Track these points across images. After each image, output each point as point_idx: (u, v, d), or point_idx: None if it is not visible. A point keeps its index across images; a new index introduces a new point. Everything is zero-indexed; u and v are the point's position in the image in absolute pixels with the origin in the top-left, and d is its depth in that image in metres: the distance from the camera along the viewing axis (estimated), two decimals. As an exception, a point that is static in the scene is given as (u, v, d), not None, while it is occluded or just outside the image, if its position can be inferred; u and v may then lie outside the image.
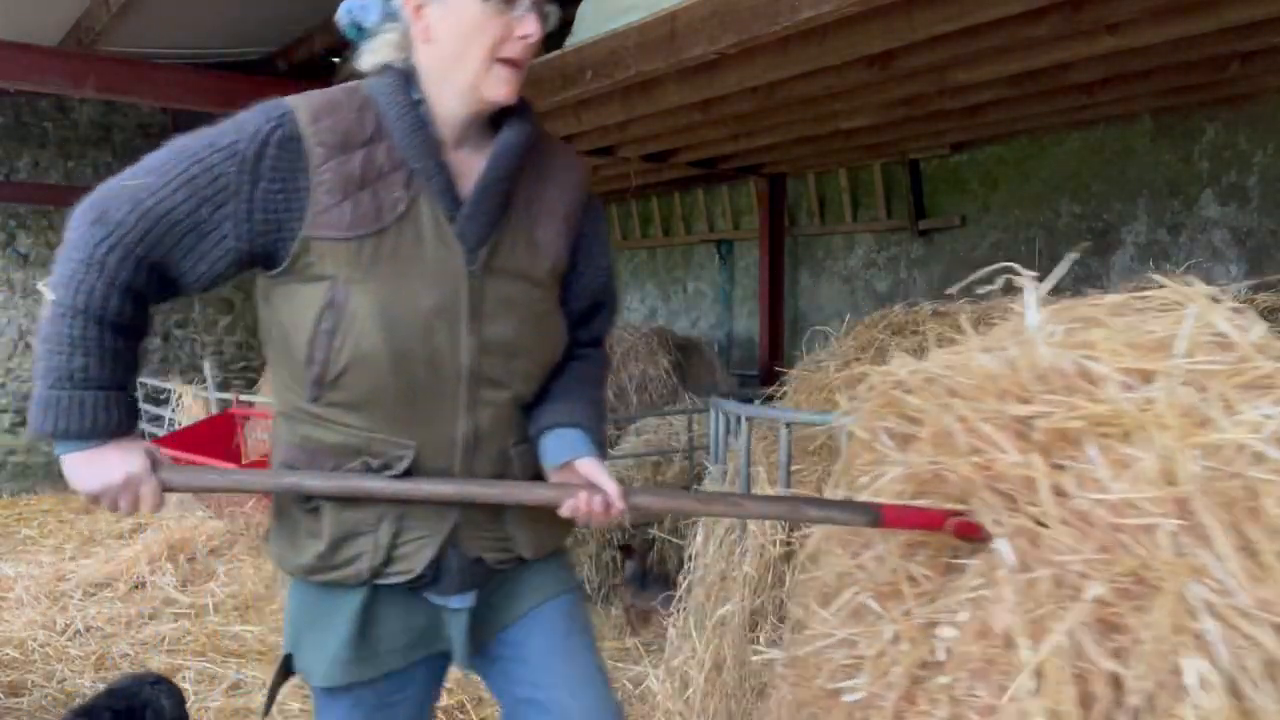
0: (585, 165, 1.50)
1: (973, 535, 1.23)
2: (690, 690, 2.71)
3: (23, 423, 8.12)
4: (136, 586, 4.80)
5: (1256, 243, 4.66)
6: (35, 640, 3.95)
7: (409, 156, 1.26)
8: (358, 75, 1.34)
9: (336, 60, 7.06)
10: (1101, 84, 4.31)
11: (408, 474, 1.30)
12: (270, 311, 1.32)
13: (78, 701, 3.24)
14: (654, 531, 4.50)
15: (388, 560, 1.33)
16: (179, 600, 4.57)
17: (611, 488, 1.34)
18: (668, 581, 3.96)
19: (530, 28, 1.26)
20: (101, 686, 2.74)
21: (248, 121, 1.24)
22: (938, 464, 1.28)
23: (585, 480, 1.36)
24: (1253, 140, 4.65)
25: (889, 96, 4.32)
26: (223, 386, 6.67)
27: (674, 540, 4.29)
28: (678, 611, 2.96)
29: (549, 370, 1.42)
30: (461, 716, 3.30)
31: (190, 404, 6.83)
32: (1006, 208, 5.72)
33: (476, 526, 1.37)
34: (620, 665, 3.74)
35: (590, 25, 4.01)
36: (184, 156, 1.22)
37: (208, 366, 6.65)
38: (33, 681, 3.56)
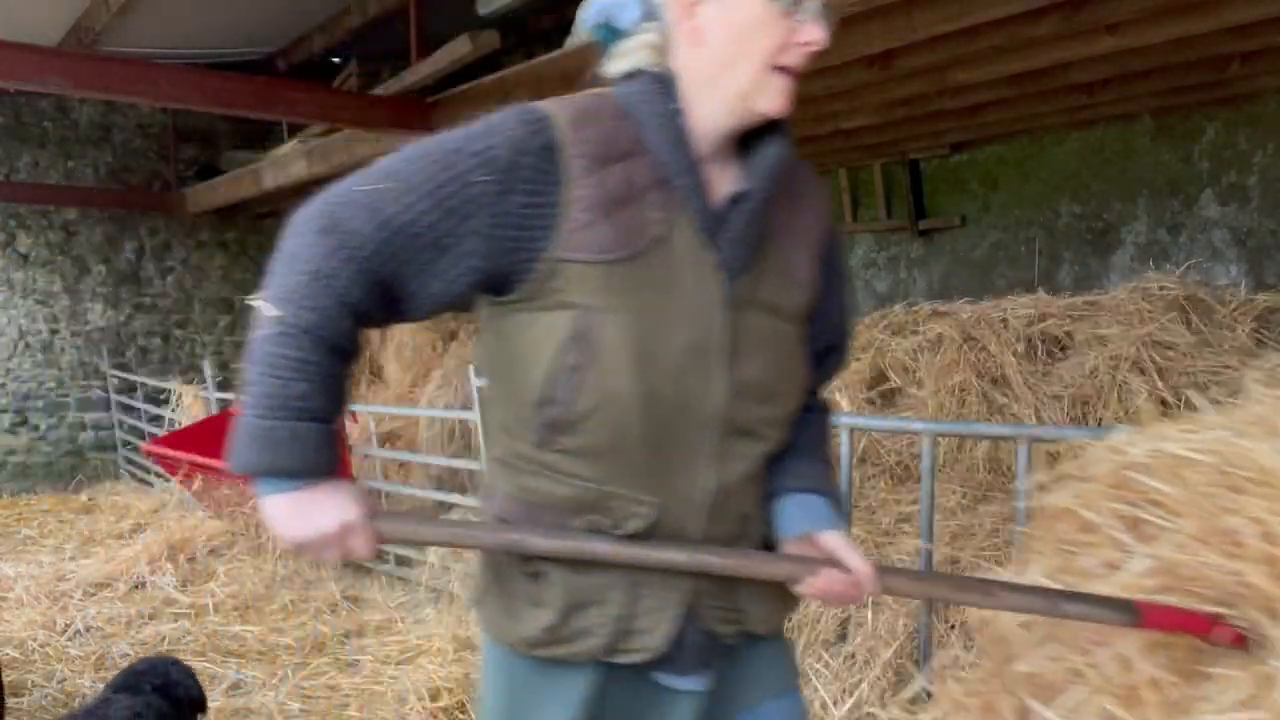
0: (828, 188, 1.37)
1: (1240, 645, 1.13)
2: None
3: (23, 422, 8.12)
4: (136, 586, 4.80)
5: (1256, 243, 4.66)
6: (35, 640, 3.95)
7: (671, 173, 1.12)
8: (599, 82, 1.21)
9: (336, 61, 7.07)
10: (1101, 84, 4.31)
11: (640, 535, 1.14)
12: (498, 343, 1.17)
13: (76, 703, 3.25)
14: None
15: (624, 634, 1.17)
16: (179, 600, 4.57)
17: (863, 568, 1.19)
18: None
19: (816, 34, 1.12)
20: (101, 687, 2.74)
21: (501, 126, 1.10)
22: (1209, 565, 1.16)
23: (829, 555, 1.21)
24: (1253, 140, 4.65)
25: (889, 96, 4.33)
26: (223, 386, 6.67)
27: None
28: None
29: (792, 420, 1.26)
30: (462, 716, 3.30)
31: (190, 404, 6.83)
32: (1006, 208, 5.72)
33: (710, 596, 1.20)
34: (620, 665, 3.73)
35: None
36: (428, 161, 1.08)
37: (207, 366, 6.66)
38: (33, 681, 3.56)
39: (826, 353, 1.33)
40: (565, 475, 1.14)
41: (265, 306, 1.06)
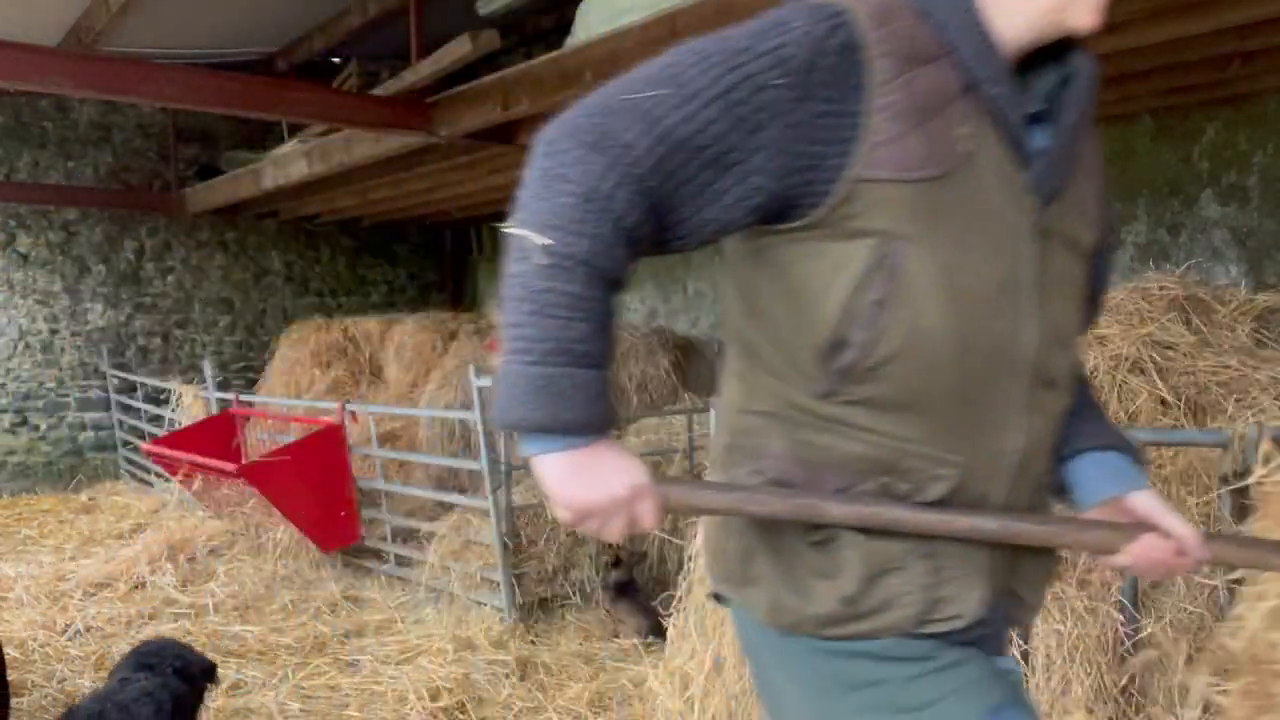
0: None
1: None
2: (690, 690, 2.71)
3: (23, 422, 8.11)
4: (136, 586, 4.80)
5: (1256, 243, 4.66)
6: (35, 640, 3.95)
7: (983, 80, 0.96)
8: None
9: (336, 61, 7.06)
10: (1102, 84, 4.31)
11: (939, 502, 1.00)
12: (766, 278, 1.01)
13: (75, 695, 3.24)
14: (656, 532, 4.50)
15: (934, 601, 1.02)
16: (179, 600, 4.57)
17: (1187, 534, 1.05)
18: (648, 607, 3.98)
19: None
20: (99, 686, 2.74)
21: (792, 21, 0.93)
22: None
23: (1143, 520, 1.07)
24: (1253, 140, 4.65)
25: (889, 96, 4.32)
26: (223, 386, 6.67)
27: (674, 540, 4.30)
28: (677, 612, 2.96)
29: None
30: (462, 716, 3.30)
31: (190, 404, 6.83)
32: (1006, 208, 5.72)
33: (1000, 572, 1.06)
34: (620, 665, 3.74)
35: (590, 25, 4.01)
36: (711, 63, 0.92)
37: (208, 366, 6.65)
38: (33, 681, 3.56)
39: (1091, 300, 1.17)
40: (857, 430, 1.00)
41: (528, 234, 0.90)
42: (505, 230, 0.94)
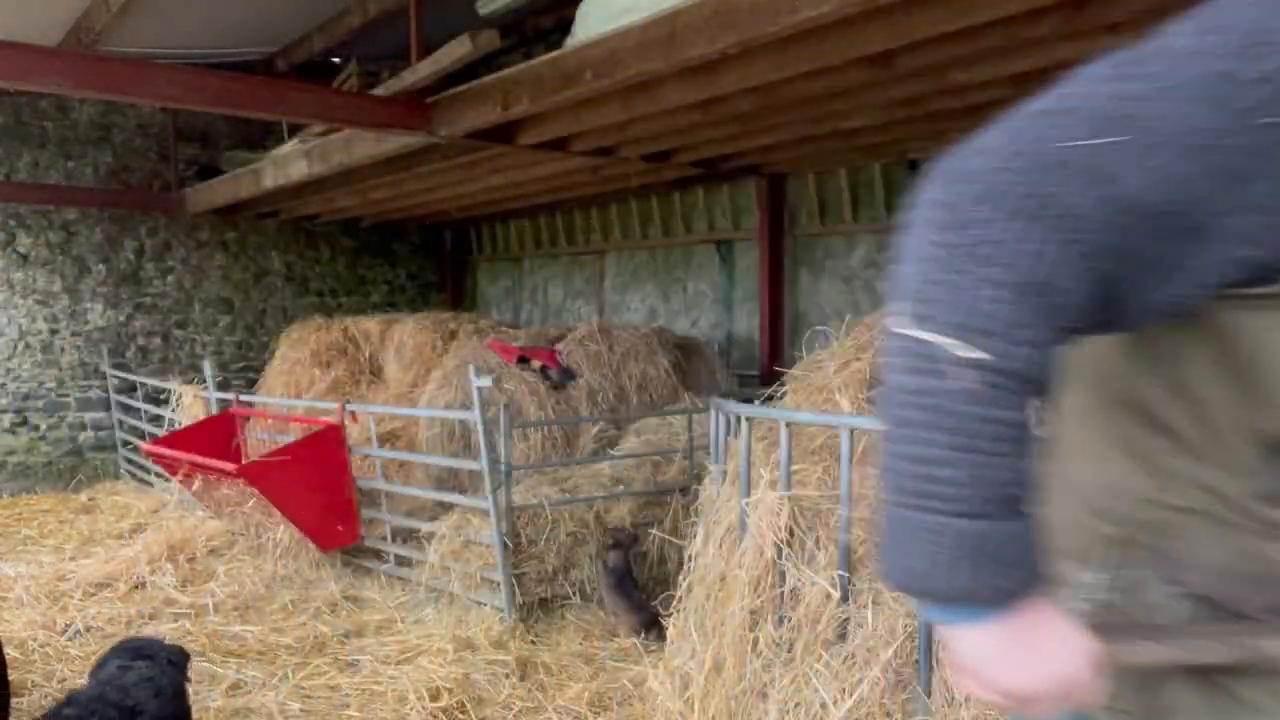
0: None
1: None
2: (690, 690, 2.72)
3: (23, 422, 8.11)
4: (136, 586, 4.80)
5: (1256, 243, 4.66)
6: (35, 640, 3.96)
7: None
8: None
9: (336, 61, 7.07)
10: (1101, 84, 4.31)
11: None
12: (1203, 344, 0.81)
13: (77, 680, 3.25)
14: (655, 532, 4.51)
15: None
16: (179, 600, 4.57)
17: None
18: (643, 603, 3.98)
19: None
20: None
21: None
22: None
23: None
24: (1253, 140, 4.65)
25: (889, 96, 4.32)
26: (223, 386, 6.67)
27: (674, 540, 4.30)
28: (677, 612, 2.97)
29: None
30: (461, 716, 3.30)
31: (190, 404, 6.84)
32: (1006, 208, 5.71)
33: None
34: (620, 665, 3.74)
35: (590, 25, 4.01)
36: (1181, 94, 0.69)
37: (208, 366, 6.66)
38: (33, 681, 3.56)
39: None
40: None
41: (939, 341, 0.69)
42: (894, 329, 0.73)
